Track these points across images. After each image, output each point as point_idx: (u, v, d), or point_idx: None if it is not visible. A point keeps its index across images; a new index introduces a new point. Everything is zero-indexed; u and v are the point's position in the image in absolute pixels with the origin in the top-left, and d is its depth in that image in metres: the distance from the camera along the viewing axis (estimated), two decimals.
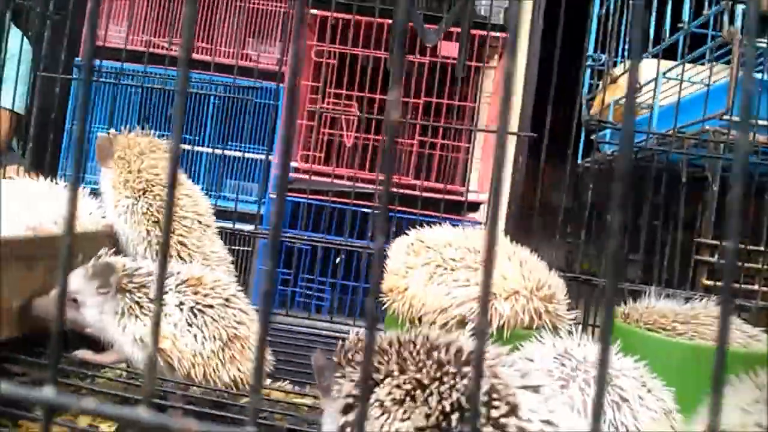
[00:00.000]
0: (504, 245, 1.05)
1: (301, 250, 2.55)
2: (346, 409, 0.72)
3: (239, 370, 1.01)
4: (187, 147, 2.78)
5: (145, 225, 1.31)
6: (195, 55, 2.83)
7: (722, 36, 1.61)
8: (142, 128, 1.44)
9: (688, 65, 1.82)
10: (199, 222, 1.36)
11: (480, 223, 2.92)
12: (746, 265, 1.53)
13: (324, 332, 1.70)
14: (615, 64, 2.37)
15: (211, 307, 1.02)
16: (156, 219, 1.31)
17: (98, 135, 1.39)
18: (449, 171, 3.14)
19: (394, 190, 2.62)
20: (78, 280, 1.04)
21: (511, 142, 3.07)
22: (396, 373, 0.70)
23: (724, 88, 1.62)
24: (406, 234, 1.14)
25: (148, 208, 1.31)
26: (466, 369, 0.68)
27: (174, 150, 0.42)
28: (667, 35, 1.88)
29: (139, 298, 1.02)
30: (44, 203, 1.21)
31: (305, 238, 2.05)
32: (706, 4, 1.75)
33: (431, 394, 0.67)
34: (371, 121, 3.00)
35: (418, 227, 1.14)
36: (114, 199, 1.34)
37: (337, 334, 1.30)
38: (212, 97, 2.79)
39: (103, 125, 2.84)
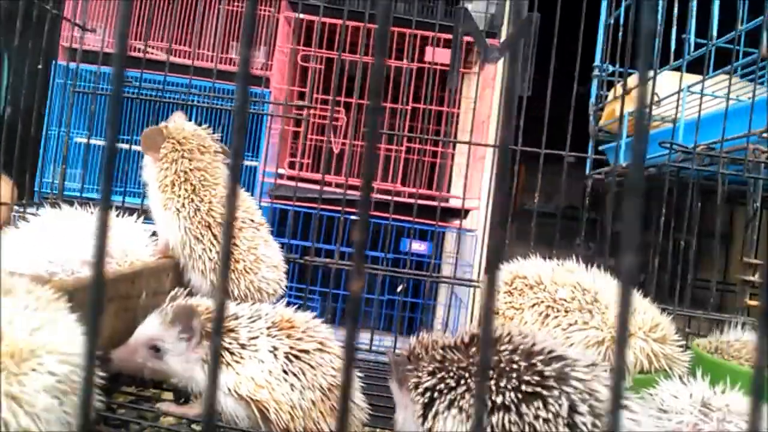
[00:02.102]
0: (605, 281, 1.01)
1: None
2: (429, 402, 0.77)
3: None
4: None
5: (198, 230, 1.20)
6: (173, 59, 2.71)
7: (761, 53, 1.61)
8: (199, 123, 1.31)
9: (712, 80, 1.82)
10: (251, 220, 1.26)
11: (470, 231, 2.89)
12: None
13: None
14: (622, 75, 2.36)
15: (306, 352, 0.94)
16: (207, 223, 1.21)
17: (149, 127, 1.25)
18: (433, 177, 3.11)
19: (377, 196, 2.57)
20: (156, 326, 0.95)
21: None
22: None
23: (761, 104, 1.61)
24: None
25: (196, 212, 1.20)
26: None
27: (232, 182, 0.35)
28: (692, 49, 1.87)
29: (229, 344, 0.93)
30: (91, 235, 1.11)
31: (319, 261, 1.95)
32: (739, 18, 1.74)
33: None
34: (359, 127, 2.94)
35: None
36: (162, 201, 1.22)
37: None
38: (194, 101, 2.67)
39: (83, 131, 2.70)
